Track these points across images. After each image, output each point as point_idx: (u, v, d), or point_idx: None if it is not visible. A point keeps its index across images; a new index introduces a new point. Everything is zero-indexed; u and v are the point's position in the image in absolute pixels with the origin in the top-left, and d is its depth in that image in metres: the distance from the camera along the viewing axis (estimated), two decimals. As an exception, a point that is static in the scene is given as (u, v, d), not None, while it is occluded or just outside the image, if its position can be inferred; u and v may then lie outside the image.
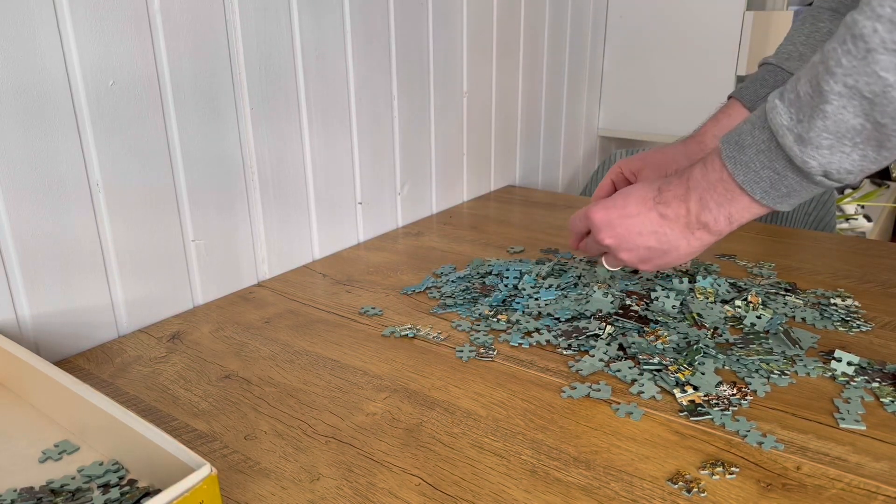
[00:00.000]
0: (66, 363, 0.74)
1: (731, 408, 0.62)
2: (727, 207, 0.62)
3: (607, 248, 0.70)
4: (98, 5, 0.71)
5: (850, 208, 1.63)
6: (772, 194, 0.59)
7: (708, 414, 0.61)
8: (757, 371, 0.68)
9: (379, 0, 1.06)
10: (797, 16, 0.84)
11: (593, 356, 0.71)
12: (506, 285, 0.88)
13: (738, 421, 0.60)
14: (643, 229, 0.67)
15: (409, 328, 0.79)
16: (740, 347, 0.72)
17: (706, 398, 0.63)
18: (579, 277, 0.89)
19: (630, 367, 0.68)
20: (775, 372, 0.67)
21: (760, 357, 0.69)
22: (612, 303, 0.80)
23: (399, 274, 0.97)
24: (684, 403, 0.63)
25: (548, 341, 0.75)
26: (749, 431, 0.59)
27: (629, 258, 0.69)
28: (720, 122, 0.82)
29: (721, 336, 0.74)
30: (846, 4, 0.79)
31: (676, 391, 0.64)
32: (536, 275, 0.89)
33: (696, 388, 0.65)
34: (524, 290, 0.86)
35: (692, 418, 0.61)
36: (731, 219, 0.62)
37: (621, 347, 0.72)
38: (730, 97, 0.84)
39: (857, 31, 0.48)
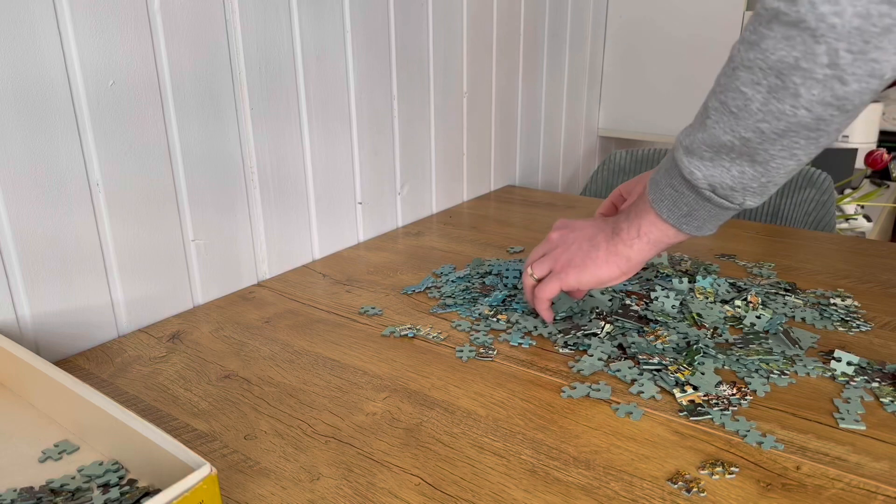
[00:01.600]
0: (66, 363, 0.74)
1: (730, 408, 0.62)
2: (638, 220, 0.65)
3: (549, 248, 0.74)
4: (98, 5, 0.71)
5: (850, 208, 1.63)
6: (675, 212, 0.62)
7: (708, 414, 0.61)
8: (757, 371, 0.68)
9: (379, 0, 1.06)
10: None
11: (591, 355, 0.71)
12: (505, 285, 0.88)
13: (737, 421, 0.60)
14: (585, 228, 0.72)
15: (409, 328, 0.79)
16: (740, 347, 0.72)
17: (706, 398, 0.63)
18: None
19: (630, 367, 0.68)
20: (775, 372, 0.67)
21: (760, 357, 0.69)
22: (610, 300, 0.80)
23: (399, 274, 0.97)
24: (684, 403, 0.63)
25: (550, 334, 0.75)
26: (749, 431, 0.59)
27: (558, 255, 0.72)
28: None
29: (721, 336, 0.74)
30: None
31: (676, 391, 0.64)
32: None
33: (695, 388, 0.65)
34: (515, 285, 0.86)
35: (692, 418, 0.61)
36: (640, 231, 0.65)
37: (621, 347, 0.72)
38: None
39: (731, 52, 0.54)
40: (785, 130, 0.52)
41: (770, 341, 0.73)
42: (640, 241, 0.65)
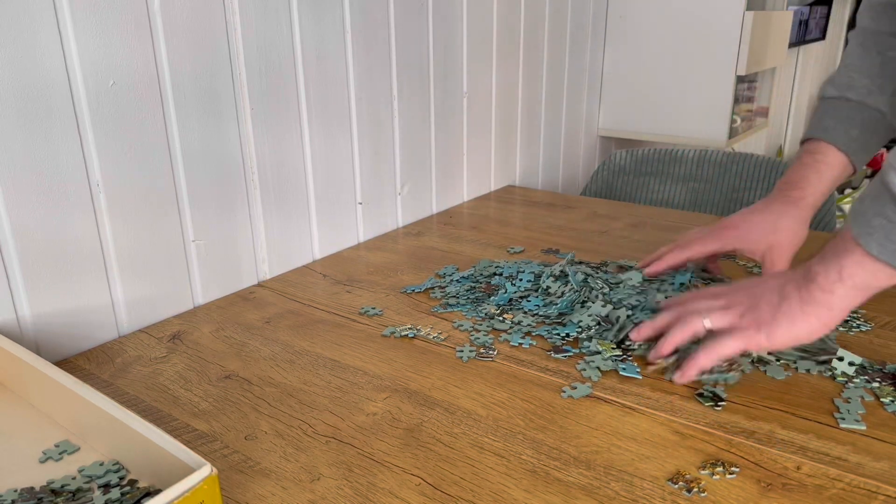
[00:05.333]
0: (66, 363, 0.74)
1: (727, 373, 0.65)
2: (838, 261, 0.56)
3: (729, 293, 0.65)
4: (98, 5, 0.71)
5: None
6: (888, 247, 0.53)
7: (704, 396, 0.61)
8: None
9: (379, 0, 1.06)
10: (852, 41, 0.80)
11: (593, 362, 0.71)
12: (517, 287, 0.86)
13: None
14: (771, 279, 0.64)
15: (410, 328, 0.79)
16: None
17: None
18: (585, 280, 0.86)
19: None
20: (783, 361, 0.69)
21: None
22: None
23: (399, 274, 0.97)
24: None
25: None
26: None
27: (743, 310, 0.62)
28: (823, 175, 0.75)
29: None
30: None
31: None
32: (550, 274, 0.86)
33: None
34: (548, 287, 0.84)
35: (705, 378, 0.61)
36: (842, 273, 0.56)
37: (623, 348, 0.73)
38: (808, 139, 0.78)
39: None
40: None
41: None
42: (844, 286, 0.56)
